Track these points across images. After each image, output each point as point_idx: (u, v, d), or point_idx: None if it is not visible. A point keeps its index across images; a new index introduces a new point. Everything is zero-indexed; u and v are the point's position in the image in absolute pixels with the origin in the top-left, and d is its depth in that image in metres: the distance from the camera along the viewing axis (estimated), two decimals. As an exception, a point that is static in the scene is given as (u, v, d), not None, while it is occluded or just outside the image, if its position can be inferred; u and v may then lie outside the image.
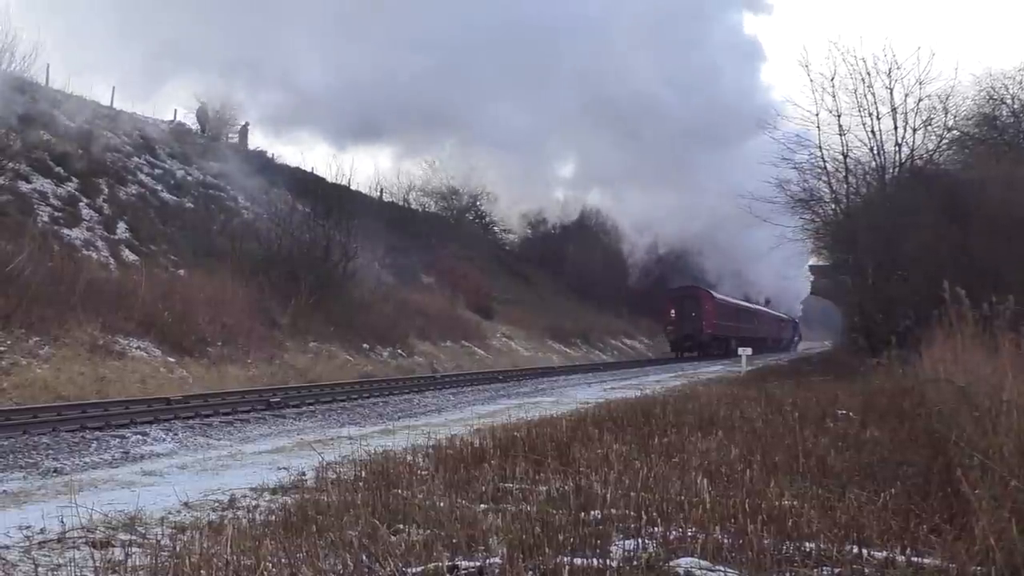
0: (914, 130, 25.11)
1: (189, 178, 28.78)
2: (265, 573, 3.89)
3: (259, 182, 30.76)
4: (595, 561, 3.96)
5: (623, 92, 47.62)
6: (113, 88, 31.13)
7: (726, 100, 50.23)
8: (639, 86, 48.11)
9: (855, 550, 4.18)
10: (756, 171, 27.46)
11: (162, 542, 4.81)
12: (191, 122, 34.33)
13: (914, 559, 4.06)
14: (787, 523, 4.63)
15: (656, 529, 4.60)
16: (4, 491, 7.28)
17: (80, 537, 5.21)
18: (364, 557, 4.06)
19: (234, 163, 31.27)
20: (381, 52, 40.05)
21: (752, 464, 6.33)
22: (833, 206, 26.95)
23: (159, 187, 26.65)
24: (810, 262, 44.48)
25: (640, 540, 4.35)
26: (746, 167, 32.00)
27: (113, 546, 5.04)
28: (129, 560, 4.41)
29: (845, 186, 26.30)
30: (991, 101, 27.56)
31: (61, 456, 9.32)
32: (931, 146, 25.78)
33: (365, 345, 24.15)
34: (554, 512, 4.85)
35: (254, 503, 6.40)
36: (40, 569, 4.55)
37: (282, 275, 23.49)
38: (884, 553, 4.17)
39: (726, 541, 4.34)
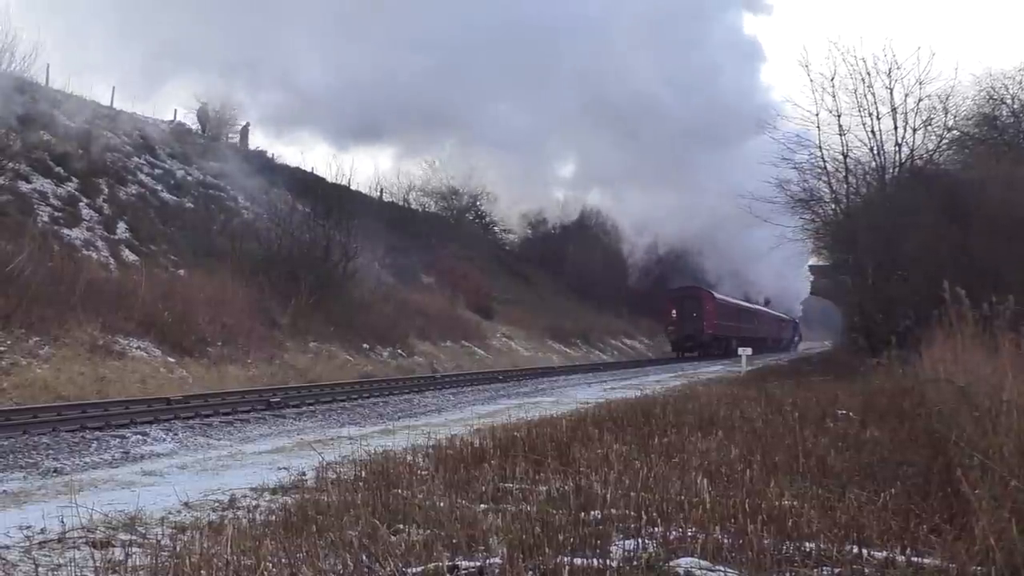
0: (914, 130, 25.14)
1: (189, 178, 28.78)
2: (265, 573, 3.89)
3: (259, 182, 30.77)
4: (595, 561, 3.96)
5: (623, 92, 47.69)
6: (113, 88, 31.19)
7: (726, 100, 50.29)
8: (639, 86, 48.17)
9: (855, 550, 4.18)
10: (756, 171, 27.49)
11: (162, 542, 4.81)
12: (191, 122, 34.39)
13: (914, 559, 4.06)
14: (787, 523, 4.63)
15: (656, 529, 4.60)
16: (4, 491, 7.28)
17: (80, 537, 5.21)
18: (364, 557, 4.06)
19: (234, 163, 31.27)
20: (381, 52, 40.10)
21: (752, 464, 6.33)
22: (833, 206, 26.95)
23: (159, 187, 26.65)
24: (810, 262, 44.51)
25: (640, 540, 4.35)
26: (746, 167, 32.02)
27: (113, 546, 5.04)
28: (129, 560, 4.41)
29: (845, 186, 26.31)
30: (991, 101, 27.57)
31: (61, 456, 9.32)
32: (931, 146, 25.81)
33: (365, 345, 24.15)
34: (554, 512, 4.85)
35: (254, 503, 6.40)
36: (40, 569, 4.55)
37: (282, 275, 23.49)
38: (884, 553, 4.17)
39: (726, 541, 4.34)
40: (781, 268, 51.52)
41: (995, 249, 16.83)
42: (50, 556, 4.93)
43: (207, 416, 12.91)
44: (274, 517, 5.49)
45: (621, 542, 4.37)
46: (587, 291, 48.25)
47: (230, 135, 36.72)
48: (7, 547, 5.14)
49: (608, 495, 5.28)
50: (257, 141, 39.07)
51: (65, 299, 16.28)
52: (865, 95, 25.18)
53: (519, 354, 33.20)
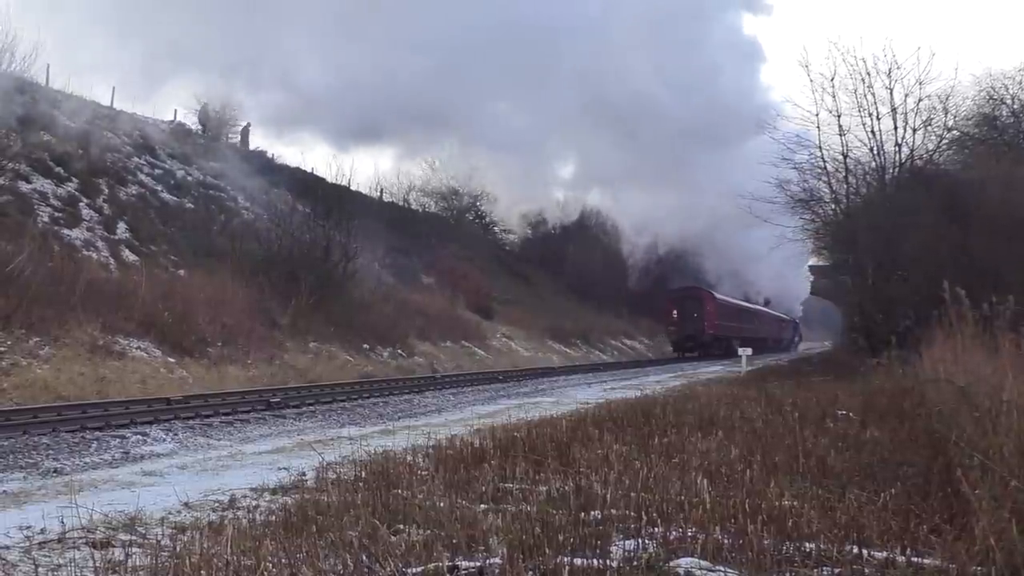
0: (914, 130, 25.14)
1: (189, 178, 28.79)
2: (265, 573, 3.89)
3: (259, 182, 30.78)
4: (595, 561, 3.96)
5: (623, 92, 47.71)
6: (113, 88, 31.22)
7: (726, 100, 50.32)
8: (639, 86, 48.19)
9: (855, 550, 4.18)
10: (756, 171, 27.47)
11: (162, 542, 4.81)
12: (191, 122, 34.40)
13: (914, 559, 4.06)
14: (787, 523, 4.63)
15: (656, 529, 4.60)
16: (4, 491, 7.28)
17: (80, 537, 5.21)
18: (364, 557, 4.06)
19: (234, 163, 31.28)
20: (381, 52, 40.14)
21: (752, 464, 6.33)
22: (833, 206, 26.94)
23: (159, 187, 26.66)
24: (810, 262, 44.48)
25: (640, 540, 4.35)
26: (746, 167, 32.00)
27: (113, 546, 5.04)
28: (129, 560, 4.41)
29: (845, 186, 26.30)
30: (991, 101, 27.57)
31: (61, 456, 9.32)
32: (931, 146, 25.80)
33: (365, 345, 24.15)
34: (554, 512, 4.85)
35: (254, 503, 6.40)
36: (40, 569, 4.55)
37: (282, 275, 23.49)
38: (884, 553, 4.17)
39: (726, 541, 4.34)
40: (781, 268, 51.52)
41: (995, 249, 16.83)
42: (50, 556, 4.93)
43: (207, 416, 12.91)
44: (274, 517, 5.49)
45: (621, 542, 4.37)
46: (587, 291, 48.25)
47: (230, 135, 36.74)
48: (7, 547, 5.14)
49: (608, 495, 5.28)
50: (257, 141, 39.15)
51: (65, 299, 16.28)
52: (865, 95, 25.20)
53: (519, 354, 33.20)
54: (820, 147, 26.17)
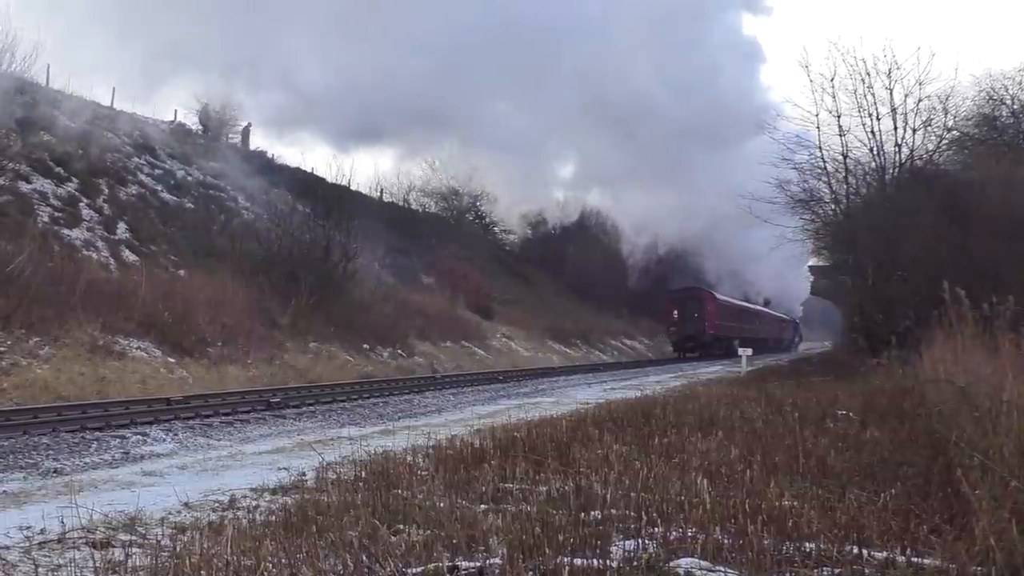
0: (914, 131, 25.13)
1: (189, 178, 28.79)
2: (265, 573, 3.89)
3: (259, 182, 30.78)
4: (595, 561, 3.96)
5: (623, 92, 47.74)
6: (113, 88, 31.23)
7: (726, 100, 50.37)
8: (639, 86, 48.21)
9: (855, 550, 4.18)
10: (756, 171, 27.46)
11: (162, 542, 4.81)
12: (191, 122, 34.41)
13: (914, 559, 4.06)
14: (787, 523, 4.63)
15: (656, 529, 4.60)
16: (4, 491, 7.28)
17: (80, 537, 5.21)
18: (364, 557, 4.06)
19: (234, 163, 31.29)
20: (381, 53, 40.18)
21: (752, 464, 6.33)
22: (833, 206, 26.94)
23: (159, 187, 26.66)
24: (810, 262, 44.49)
25: (640, 540, 4.35)
26: (746, 167, 32.00)
27: (113, 546, 5.04)
28: (129, 560, 4.41)
29: (845, 186, 26.30)
30: (991, 102, 27.57)
31: (61, 456, 9.32)
32: (931, 147, 25.80)
33: (365, 345, 24.15)
34: (554, 512, 4.85)
35: (254, 503, 6.40)
36: (40, 569, 4.55)
37: (282, 275, 23.49)
38: (884, 553, 4.17)
39: (726, 541, 4.34)
40: (781, 268, 51.56)
41: (995, 249, 16.83)
42: (50, 556, 4.93)
43: (207, 416, 12.91)
44: (274, 517, 5.49)
45: (621, 542, 4.37)
46: (587, 291, 48.26)
47: (231, 135, 36.76)
48: (7, 547, 5.14)
49: (608, 495, 5.28)
50: (258, 142, 39.19)
51: (65, 299, 16.27)
52: (865, 95, 25.19)
53: (519, 354, 33.19)
54: (820, 147, 26.20)
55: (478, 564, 4.03)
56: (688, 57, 51.42)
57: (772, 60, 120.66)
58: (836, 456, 6.86)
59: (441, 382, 21.28)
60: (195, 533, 4.90)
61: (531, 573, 3.88)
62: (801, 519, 4.72)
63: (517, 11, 43.95)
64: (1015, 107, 27.29)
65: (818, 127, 25.96)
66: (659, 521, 4.72)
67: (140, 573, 4.26)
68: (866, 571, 3.98)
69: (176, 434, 11.27)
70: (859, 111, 25.30)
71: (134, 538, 5.28)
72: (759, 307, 60.28)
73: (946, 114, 25.43)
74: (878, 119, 25.11)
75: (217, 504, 6.51)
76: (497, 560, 4.01)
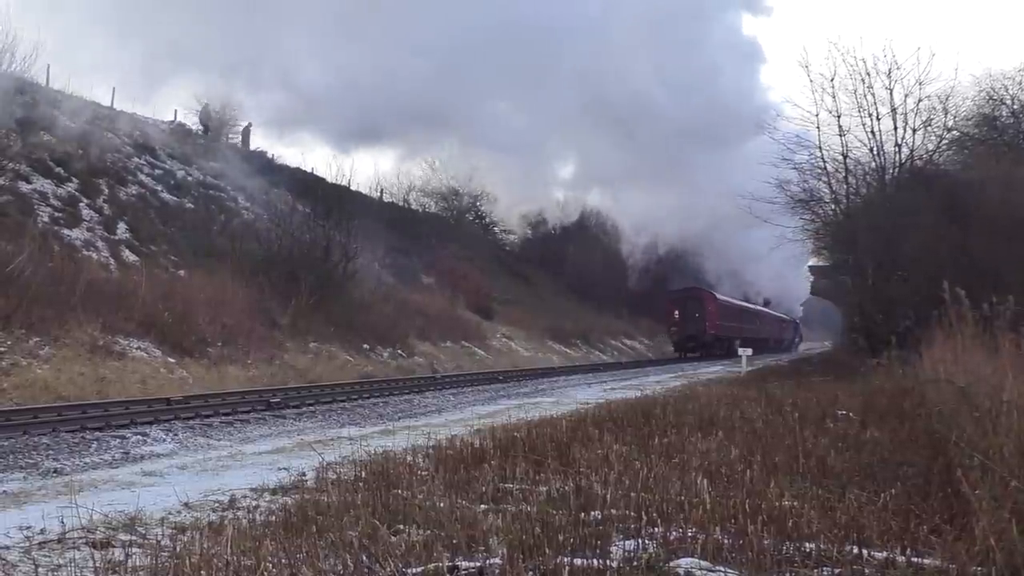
0: (914, 131, 25.13)
1: (189, 178, 28.79)
2: (265, 573, 3.89)
3: (259, 182, 30.78)
4: (595, 561, 3.96)
5: (623, 92, 47.75)
6: (113, 89, 31.23)
7: (725, 100, 50.38)
8: (639, 86, 48.23)
9: (855, 550, 4.18)
10: (756, 171, 27.46)
11: (162, 542, 4.81)
12: (191, 122, 34.41)
13: (914, 559, 4.06)
14: (787, 523, 4.63)
15: (656, 529, 4.60)
16: (4, 491, 7.28)
17: (80, 537, 5.21)
18: (364, 557, 4.06)
19: (234, 163, 31.28)
20: (381, 53, 40.20)
21: (752, 464, 6.33)
22: (833, 206, 26.94)
23: (159, 187, 26.65)
24: (810, 263, 44.49)
25: (640, 540, 4.35)
26: (746, 168, 32.01)
27: (113, 546, 5.04)
28: (129, 560, 4.41)
29: (845, 186, 26.30)
30: (991, 102, 27.57)
31: (61, 456, 9.32)
32: (931, 147, 25.80)
33: (365, 345, 24.15)
34: (554, 512, 4.85)
35: (254, 503, 6.40)
36: (40, 569, 4.55)
37: (282, 275, 23.48)
38: (884, 553, 4.17)
39: (726, 541, 4.34)
40: (781, 269, 51.57)
41: (995, 249, 16.83)
42: (50, 556, 4.93)
43: (207, 416, 12.91)
44: (274, 517, 5.49)
45: (621, 542, 4.37)
46: (587, 292, 48.26)
47: (231, 136, 36.76)
48: (7, 547, 5.14)
49: (608, 495, 5.28)
50: (258, 142, 39.16)
51: (65, 299, 16.27)
52: (865, 96, 25.20)
53: (519, 354, 33.19)
54: (820, 147, 26.20)
55: (478, 564, 4.02)
56: (688, 57, 51.50)
57: (772, 60, 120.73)
58: (836, 456, 6.86)
59: (441, 382, 21.28)
60: (195, 533, 4.90)
61: (531, 573, 3.88)
62: (801, 519, 4.72)
63: (517, 11, 44.00)
64: (1015, 107, 27.31)
65: (818, 127, 26.00)
66: (659, 521, 4.72)
67: (140, 573, 4.26)
68: (866, 571, 3.98)
69: (176, 434, 11.27)
70: (859, 111, 25.33)
71: (134, 538, 5.28)
72: (759, 307, 60.30)
73: (946, 114, 25.47)
74: (878, 119, 25.15)
75: (217, 504, 6.51)
76: (497, 560, 4.01)
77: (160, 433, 11.15)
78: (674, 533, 4.51)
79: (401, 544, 4.35)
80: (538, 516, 4.76)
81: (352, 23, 41.51)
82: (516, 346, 34.31)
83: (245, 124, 37.35)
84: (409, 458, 7.46)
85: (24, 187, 21.22)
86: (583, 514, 4.83)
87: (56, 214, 21.31)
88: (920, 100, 24.68)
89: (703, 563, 4.05)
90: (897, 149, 25.17)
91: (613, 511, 4.96)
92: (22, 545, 5.18)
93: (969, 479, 4.59)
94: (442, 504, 5.27)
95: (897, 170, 25.31)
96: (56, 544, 5.16)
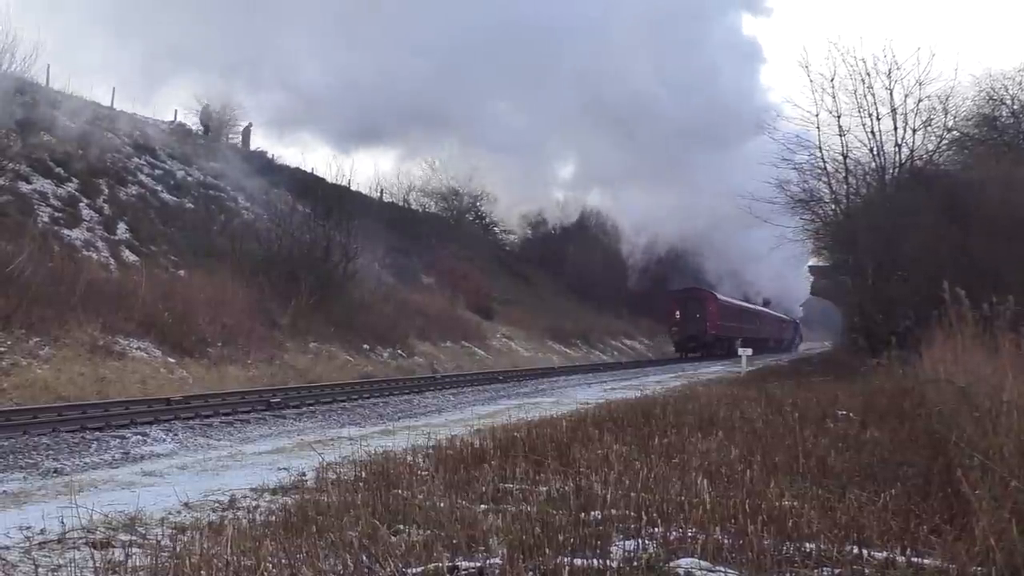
0: (914, 131, 25.14)
1: (189, 179, 28.79)
2: (265, 574, 3.89)
3: (259, 183, 30.78)
4: (595, 562, 3.96)
5: (622, 92, 47.74)
6: (113, 89, 31.24)
7: (725, 101, 50.38)
8: (638, 86, 48.24)
9: (855, 551, 4.18)
10: (756, 172, 27.47)
11: (162, 543, 4.81)
12: (191, 123, 34.41)
13: (914, 560, 4.06)
14: (787, 523, 4.63)
15: (656, 530, 4.60)
16: (4, 491, 7.28)
17: (80, 537, 5.21)
18: (364, 557, 4.06)
19: (234, 164, 31.28)
20: (381, 53, 40.23)
21: (752, 464, 6.33)
22: (833, 207, 26.94)
23: (159, 188, 26.66)
24: (810, 263, 44.50)
25: (640, 540, 4.35)
26: (746, 168, 32.02)
27: (113, 546, 5.03)
28: (129, 561, 4.41)
29: (845, 187, 26.31)
30: (991, 102, 27.58)
31: (61, 456, 9.32)
32: (931, 147, 25.81)
33: (365, 345, 24.15)
34: (554, 512, 4.85)
35: (254, 503, 6.40)
36: (40, 569, 4.55)
37: (282, 275, 23.48)
38: (884, 554, 4.17)
39: (726, 542, 4.34)
40: (781, 269, 51.58)
41: (995, 249, 16.84)
42: (50, 556, 4.93)
43: (207, 416, 12.91)
44: (274, 517, 5.49)
45: (621, 542, 4.37)
46: (587, 292, 48.26)
47: (231, 136, 36.76)
48: (7, 547, 5.14)
49: (608, 495, 5.27)
50: (258, 142, 39.18)
51: (65, 300, 16.27)
52: (865, 96, 25.21)
53: (519, 354, 33.19)
54: (820, 147, 26.21)
55: (478, 564, 4.02)
56: (688, 57, 51.50)
57: (772, 60, 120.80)
58: (836, 456, 6.86)
59: (441, 382, 21.28)
60: (195, 533, 4.90)
61: (531, 573, 3.88)
62: (801, 519, 4.72)
63: (517, 11, 44.00)
64: (1015, 107, 27.31)
65: (818, 127, 26.01)
66: (659, 521, 4.72)
67: (140, 573, 4.26)
68: (866, 571, 3.98)
69: (176, 434, 11.27)
70: (859, 111, 25.34)
71: (134, 538, 5.28)
72: (760, 307, 60.32)
73: (946, 114, 25.47)
74: (878, 119, 25.16)
75: (217, 504, 6.51)
76: (497, 560, 4.01)
77: (160, 433, 11.15)
78: (674, 533, 4.51)
79: (401, 544, 4.35)
80: (538, 516, 4.76)
81: (352, 23, 41.56)
82: (516, 346, 34.31)
83: (245, 124, 37.40)
84: (409, 458, 7.46)
85: (24, 187, 21.22)
86: (583, 514, 4.83)
87: (56, 214, 21.31)
88: (920, 100, 24.73)
89: (703, 563, 4.05)
90: (897, 149, 25.20)
91: (613, 511, 4.96)
92: (22, 545, 5.18)
93: (969, 479, 4.59)
94: (442, 504, 5.27)
95: (897, 170, 25.31)
96: (56, 544, 5.16)
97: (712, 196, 45.34)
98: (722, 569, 4.01)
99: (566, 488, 5.68)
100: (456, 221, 47.90)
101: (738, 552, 4.23)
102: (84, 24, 35.59)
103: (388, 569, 3.92)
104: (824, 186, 26.73)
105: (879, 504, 5.10)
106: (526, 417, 11.36)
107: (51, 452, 9.51)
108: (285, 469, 8.00)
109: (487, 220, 51.83)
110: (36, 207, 20.85)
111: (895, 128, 25.01)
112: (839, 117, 25.59)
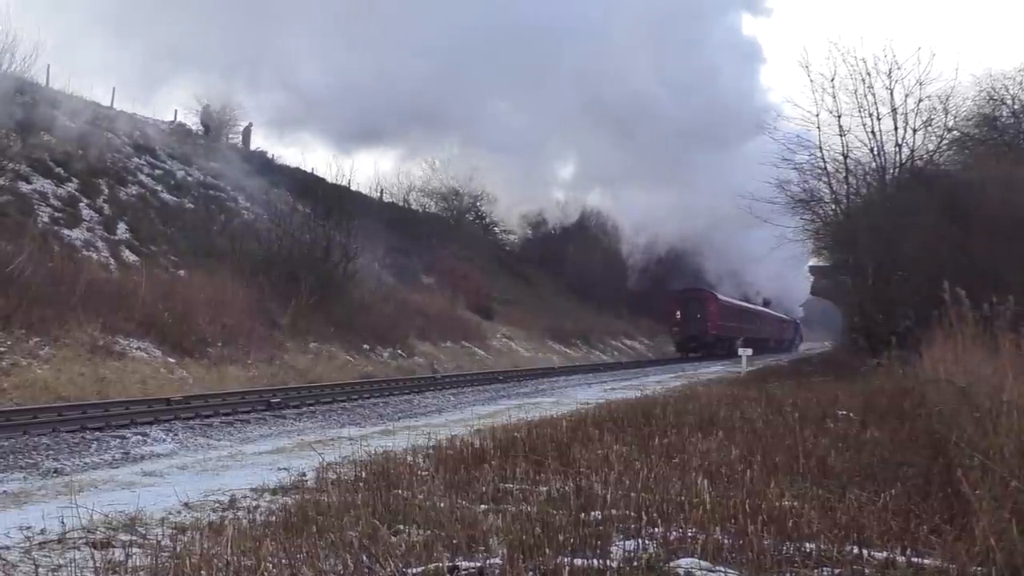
0: (914, 131, 25.12)
1: (189, 178, 28.79)
2: (265, 574, 3.89)
3: (259, 183, 30.78)
4: (595, 562, 3.96)
5: (622, 93, 47.75)
6: (113, 89, 31.24)
7: (725, 101, 50.37)
8: (638, 86, 48.24)
9: (855, 551, 4.18)
10: (756, 172, 27.44)
11: (162, 543, 4.81)
12: (191, 123, 34.41)
13: (914, 560, 4.06)
14: (787, 523, 4.63)
15: (656, 530, 4.60)
16: (4, 491, 7.28)
17: (80, 537, 5.21)
18: (364, 557, 4.06)
19: (234, 164, 31.29)
20: (381, 53, 40.25)
21: (752, 465, 6.33)
22: (833, 207, 26.92)
23: (159, 188, 26.66)
24: (810, 263, 44.49)
25: (640, 541, 4.35)
26: (746, 168, 32.01)
27: (113, 546, 5.03)
28: (129, 561, 4.41)
29: (845, 187, 26.29)
30: (991, 102, 27.57)
31: (61, 456, 9.32)
32: (931, 147, 25.79)
33: (365, 346, 24.14)
34: (554, 512, 4.85)
35: (254, 503, 6.40)
36: (40, 570, 4.55)
37: (282, 275, 23.48)
38: (884, 554, 4.17)
39: (726, 542, 4.34)
40: (781, 269, 51.55)
41: (995, 249, 16.84)
42: (50, 556, 4.93)
43: (207, 416, 12.91)
44: (274, 517, 5.49)
45: (621, 542, 4.37)
46: (587, 292, 48.25)
47: (231, 136, 36.76)
48: (7, 547, 5.14)
49: (608, 496, 5.27)
50: (258, 142, 39.18)
51: (65, 300, 16.27)
52: (865, 96, 25.19)
53: (519, 354, 33.19)
54: (820, 147, 26.17)
55: (478, 564, 4.02)
56: (688, 57, 51.50)
57: (772, 60, 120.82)
58: (836, 456, 6.86)
59: (441, 382, 21.28)
60: (195, 533, 4.89)
61: (531, 573, 3.88)
62: (801, 519, 4.72)
63: (517, 11, 44.01)
64: (1015, 107, 27.31)
65: (818, 127, 25.98)
66: (659, 521, 4.72)
67: (140, 573, 4.26)
68: (866, 571, 3.98)
69: (176, 434, 11.27)
70: (859, 111, 25.32)
71: (134, 538, 5.28)
72: (760, 307, 60.33)
73: (946, 114, 25.46)
74: (878, 119, 25.14)
75: (217, 504, 6.51)
76: (497, 560, 4.01)
77: (160, 433, 11.15)
78: (674, 533, 4.51)
79: (401, 544, 4.35)
80: (538, 516, 4.76)
81: (352, 23, 41.54)
82: (516, 346, 34.30)
83: (245, 124, 37.40)
84: (409, 458, 7.45)
85: (24, 187, 21.22)
86: (583, 514, 4.83)
87: (56, 214, 21.31)
88: (920, 100, 24.70)
89: (703, 563, 4.05)
90: (897, 149, 25.18)
91: (613, 511, 4.96)
92: (22, 545, 5.18)
93: (969, 479, 4.59)
94: (442, 504, 5.27)
95: (897, 170, 25.30)
96: (56, 544, 5.16)
97: (712, 196, 45.35)
98: (722, 569, 4.01)
99: (566, 488, 5.68)
100: (456, 221, 47.89)
101: (738, 552, 4.23)
102: (84, 24, 35.65)
103: (388, 569, 3.91)
104: (824, 186, 26.73)
105: (879, 504, 5.10)
106: (526, 417, 11.36)
107: (51, 452, 9.51)
108: (285, 469, 8.00)
109: (487, 220, 51.83)
110: (36, 207, 20.85)
111: (895, 128, 25.02)
112: (839, 117, 25.60)
